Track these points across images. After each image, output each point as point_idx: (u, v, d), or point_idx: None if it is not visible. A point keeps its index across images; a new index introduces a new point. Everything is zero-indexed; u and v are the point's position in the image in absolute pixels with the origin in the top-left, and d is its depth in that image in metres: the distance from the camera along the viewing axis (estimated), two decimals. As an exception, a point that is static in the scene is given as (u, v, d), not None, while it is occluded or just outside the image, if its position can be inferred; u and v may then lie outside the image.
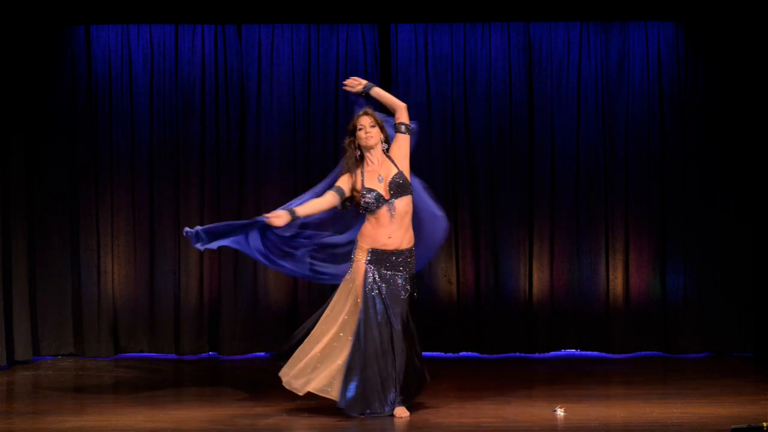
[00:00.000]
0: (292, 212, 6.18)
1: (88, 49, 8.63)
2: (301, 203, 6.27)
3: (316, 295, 8.63)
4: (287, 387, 6.23)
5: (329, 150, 8.66)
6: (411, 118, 8.44)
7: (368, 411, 6.10)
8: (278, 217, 6.16)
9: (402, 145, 6.31)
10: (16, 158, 8.24)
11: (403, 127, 6.35)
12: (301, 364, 6.22)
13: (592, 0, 8.53)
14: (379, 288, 6.13)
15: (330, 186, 6.32)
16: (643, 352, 8.57)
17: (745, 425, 5.45)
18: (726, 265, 8.54)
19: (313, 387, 6.17)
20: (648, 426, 5.80)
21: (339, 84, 8.72)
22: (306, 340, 6.31)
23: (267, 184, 8.67)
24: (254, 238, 6.30)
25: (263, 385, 7.37)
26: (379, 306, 6.12)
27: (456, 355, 8.61)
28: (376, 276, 6.15)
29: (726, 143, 8.55)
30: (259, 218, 6.22)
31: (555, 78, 8.64)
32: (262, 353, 8.65)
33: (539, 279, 8.63)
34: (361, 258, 6.20)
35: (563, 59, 8.65)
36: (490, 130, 8.66)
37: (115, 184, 8.66)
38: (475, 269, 8.64)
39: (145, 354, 8.63)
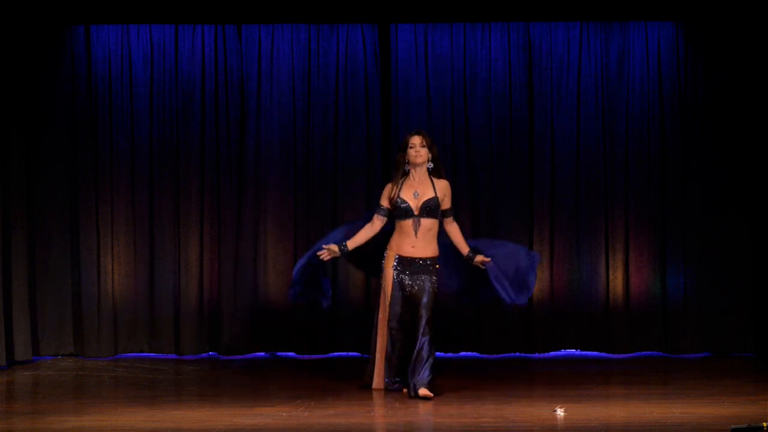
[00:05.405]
0: (343, 247, 6.87)
1: (88, 49, 8.63)
2: (354, 234, 6.94)
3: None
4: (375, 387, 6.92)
5: (329, 150, 8.67)
6: (411, 118, 8.46)
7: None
8: (329, 252, 6.86)
9: (448, 193, 6.91)
10: (16, 158, 8.24)
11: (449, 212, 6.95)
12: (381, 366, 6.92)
13: (592, 0, 8.53)
14: (403, 289, 6.76)
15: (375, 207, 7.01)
16: (643, 352, 8.57)
17: (745, 425, 5.45)
18: (726, 265, 8.54)
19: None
20: (648, 426, 5.80)
21: (339, 84, 8.74)
22: (377, 349, 6.94)
23: (267, 184, 8.67)
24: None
25: (263, 385, 7.39)
26: (403, 305, 6.77)
27: (456, 355, 8.61)
28: (402, 280, 6.77)
29: (726, 143, 8.55)
30: (314, 254, 6.93)
31: (555, 78, 8.64)
32: (262, 353, 8.65)
33: (539, 279, 8.61)
34: (389, 265, 6.83)
35: (563, 59, 8.65)
36: (490, 130, 8.66)
37: (115, 184, 8.65)
38: (475, 269, 8.64)
39: (145, 354, 8.63)
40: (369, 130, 8.66)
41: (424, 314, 6.70)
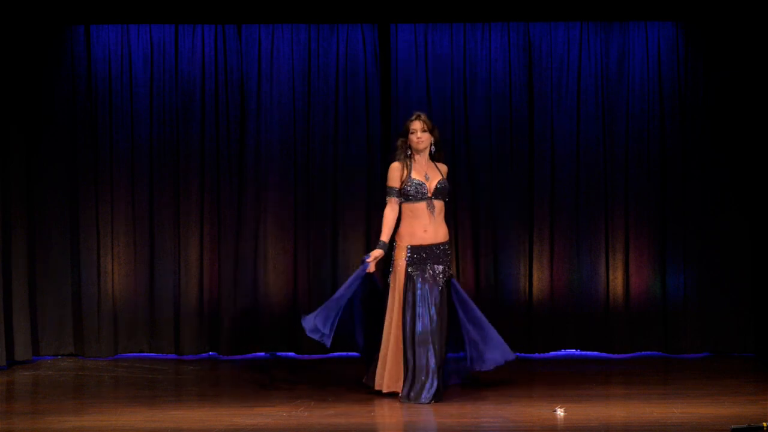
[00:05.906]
0: (381, 244, 6.73)
1: (88, 49, 8.63)
2: (381, 231, 6.78)
3: (316, 295, 8.63)
4: (385, 390, 6.71)
5: (329, 150, 8.67)
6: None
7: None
8: (375, 258, 6.71)
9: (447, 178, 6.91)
10: (16, 158, 8.24)
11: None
12: (388, 366, 6.69)
13: (592, 0, 8.53)
14: (418, 284, 6.60)
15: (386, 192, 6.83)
16: (643, 352, 8.58)
17: (745, 425, 5.46)
18: (726, 265, 8.54)
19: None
20: (648, 426, 5.80)
21: (339, 84, 8.74)
22: (382, 346, 6.76)
23: (267, 184, 8.67)
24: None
25: (263, 385, 7.39)
26: (419, 303, 6.58)
27: (456, 354, 8.59)
28: (415, 274, 6.62)
29: (726, 143, 8.55)
30: (360, 271, 6.75)
31: (555, 78, 8.65)
32: (262, 353, 8.65)
33: (539, 279, 8.63)
34: (400, 257, 6.70)
35: (563, 59, 8.66)
36: (490, 130, 8.67)
37: (115, 184, 8.66)
38: (475, 269, 8.64)
39: (145, 354, 8.62)
40: (369, 130, 8.66)
41: (433, 316, 6.56)
